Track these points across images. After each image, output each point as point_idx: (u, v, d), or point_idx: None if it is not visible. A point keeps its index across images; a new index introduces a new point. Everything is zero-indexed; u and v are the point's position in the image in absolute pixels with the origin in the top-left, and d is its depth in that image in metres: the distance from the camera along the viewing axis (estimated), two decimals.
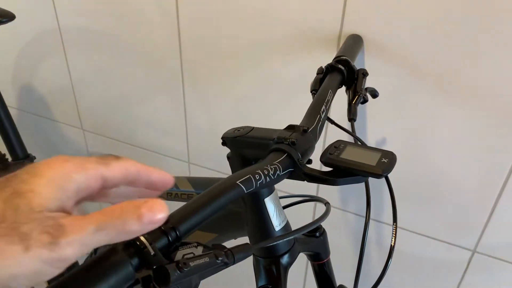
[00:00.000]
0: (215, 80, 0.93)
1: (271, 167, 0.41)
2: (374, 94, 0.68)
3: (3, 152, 0.95)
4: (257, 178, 0.39)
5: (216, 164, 1.06)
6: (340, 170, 0.43)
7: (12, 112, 1.31)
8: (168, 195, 0.60)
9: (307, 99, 0.85)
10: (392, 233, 0.38)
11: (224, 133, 0.50)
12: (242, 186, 0.38)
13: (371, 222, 0.93)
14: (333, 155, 0.44)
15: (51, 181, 0.26)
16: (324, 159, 0.43)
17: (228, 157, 0.52)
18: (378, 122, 0.81)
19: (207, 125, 1.01)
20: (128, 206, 0.27)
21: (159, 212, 0.27)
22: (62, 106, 1.24)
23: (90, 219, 0.26)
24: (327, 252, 0.60)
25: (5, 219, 0.24)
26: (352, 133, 0.53)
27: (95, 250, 0.71)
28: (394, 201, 0.39)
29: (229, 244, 0.53)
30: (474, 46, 0.67)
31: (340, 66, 0.61)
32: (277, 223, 0.52)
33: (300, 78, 0.84)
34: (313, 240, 0.58)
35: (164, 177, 0.32)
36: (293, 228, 0.56)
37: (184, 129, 1.04)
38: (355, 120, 0.58)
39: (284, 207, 0.57)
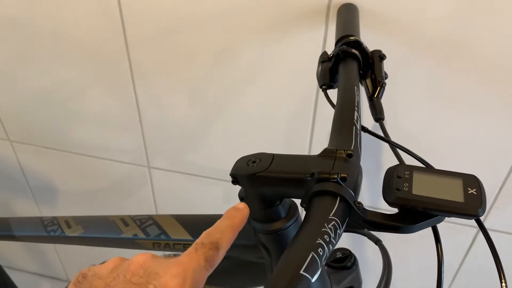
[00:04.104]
0: (168, 63, 0.76)
1: (330, 226, 0.28)
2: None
3: None
4: (321, 253, 0.26)
5: (180, 164, 0.91)
6: (414, 212, 0.31)
7: None
8: (155, 245, 0.45)
9: (278, 82, 0.72)
10: None
11: (234, 167, 0.36)
12: (308, 276, 0.25)
13: None
14: (401, 191, 0.31)
15: None
16: (392, 199, 0.31)
17: (242, 198, 0.38)
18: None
19: (164, 118, 0.84)
20: None
21: None
22: None
23: None
24: (360, 282, 0.49)
25: None
26: (393, 142, 0.40)
27: None
28: (499, 263, 0.29)
29: None
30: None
31: (354, 50, 0.48)
32: None
33: (275, 58, 0.70)
34: (346, 274, 0.47)
35: (245, 218, 0.33)
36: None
37: (139, 126, 0.87)
38: (383, 119, 0.46)
39: None
